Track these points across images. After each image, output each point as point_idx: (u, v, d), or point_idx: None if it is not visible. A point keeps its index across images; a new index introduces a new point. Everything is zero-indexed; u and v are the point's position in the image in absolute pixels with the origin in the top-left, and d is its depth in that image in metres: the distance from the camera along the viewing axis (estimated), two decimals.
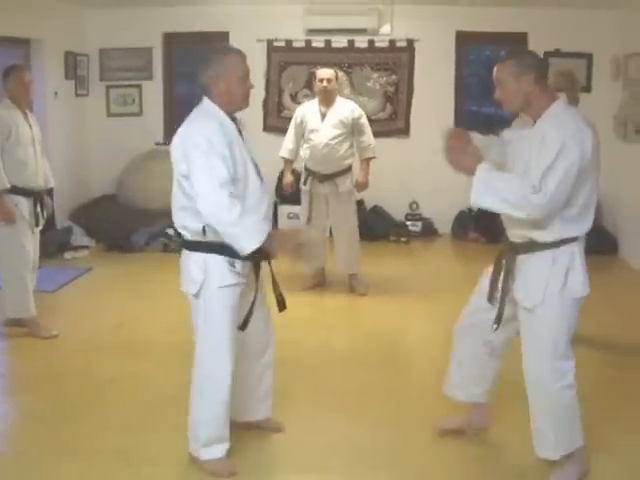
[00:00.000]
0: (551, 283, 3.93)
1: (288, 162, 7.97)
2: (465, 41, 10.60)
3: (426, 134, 9.60)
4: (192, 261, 4.22)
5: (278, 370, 5.84)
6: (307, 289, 7.92)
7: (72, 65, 10.27)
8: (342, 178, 7.64)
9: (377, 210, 10.37)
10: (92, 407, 5.12)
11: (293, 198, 9.95)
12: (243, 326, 4.28)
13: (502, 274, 4.13)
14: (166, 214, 9.74)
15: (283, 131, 8.53)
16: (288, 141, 7.91)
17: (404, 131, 10.60)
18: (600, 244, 9.43)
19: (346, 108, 7.63)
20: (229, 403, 4.26)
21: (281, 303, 4.37)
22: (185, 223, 4.21)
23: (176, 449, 4.49)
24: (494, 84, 4.03)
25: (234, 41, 10.57)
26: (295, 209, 10.20)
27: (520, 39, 10.42)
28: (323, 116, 7.60)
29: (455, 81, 10.62)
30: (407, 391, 4.78)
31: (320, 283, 8.05)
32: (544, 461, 4.19)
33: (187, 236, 4.22)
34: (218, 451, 4.26)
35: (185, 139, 4.11)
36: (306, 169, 7.79)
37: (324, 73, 7.59)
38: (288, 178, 7.98)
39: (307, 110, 7.77)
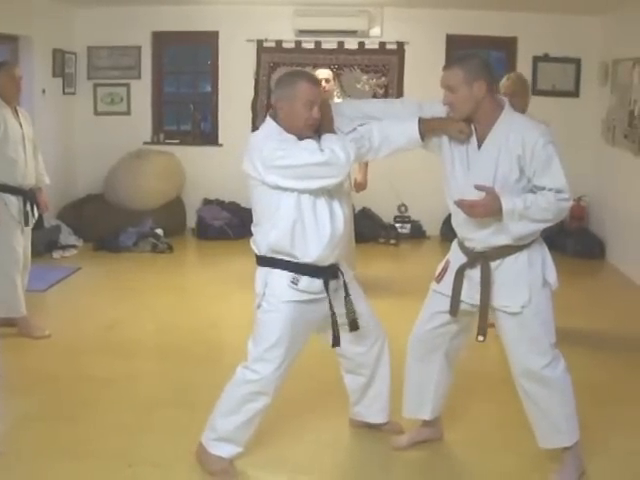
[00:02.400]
0: (533, 281, 3.99)
1: None
2: (455, 45, 10.59)
3: None
4: (257, 275, 4.26)
5: None
6: None
7: (60, 63, 10.22)
8: None
9: (366, 212, 10.38)
10: (88, 408, 5.10)
11: None
12: (335, 343, 4.31)
13: (466, 283, 4.12)
14: (154, 214, 9.88)
15: None
16: None
17: None
18: (587, 248, 9.50)
19: None
20: (262, 413, 4.28)
21: (353, 324, 4.27)
22: (255, 238, 4.19)
23: (175, 450, 4.49)
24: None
25: (223, 41, 10.63)
26: None
27: (510, 43, 10.48)
28: None
29: None
30: (399, 391, 4.77)
31: None
32: (527, 460, 4.29)
33: (255, 251, 4.21)
34: (227, 451, 4.26)
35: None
36: None
37: (322, 73, 7.57)
38: None
39: None
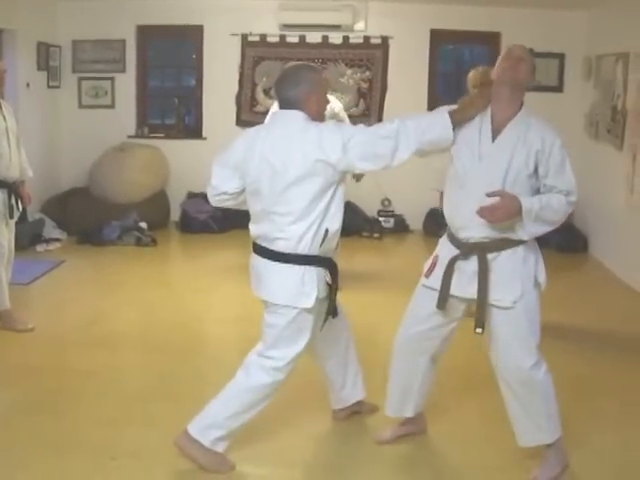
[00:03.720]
0: (525, 277, 4.02)
1: None
2: (439, 40, 10.65)
3: None
4: (286, 275, 4.24)
5: None
6: None
7: (44, 56, 10.20)
8: None
9: (350, 206, 10.36)
10: (72, 401, 5.10)
11: None
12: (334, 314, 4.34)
13: (457, 275, 4.12)
14: (138, 207, 9.88)
15: (256, 125, 8.50)
16: None
17: None
18: (570, 242, 9.56)
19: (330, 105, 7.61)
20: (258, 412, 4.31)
21: (334, 311, 4.31)
22: (293, 235, 4.14)
23: (158, 443, 4.48)
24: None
25: (208, 35, 10.63)
26: None
27: (494, 38, 10.51)
28: None
29: (428, 79, 10.67)
30: (383, 384, 4.79)
31: None
32: (510, 455, 4.32)
33: (288, 249, 4.15)
34: (221, 446, 4.26)
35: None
36: None
37: None
38: None
39: None
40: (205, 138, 10.95)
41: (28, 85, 9.76)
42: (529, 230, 3.93)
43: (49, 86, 10.49)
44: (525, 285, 4.01)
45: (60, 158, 10.84)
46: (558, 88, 10.46)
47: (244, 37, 10.68)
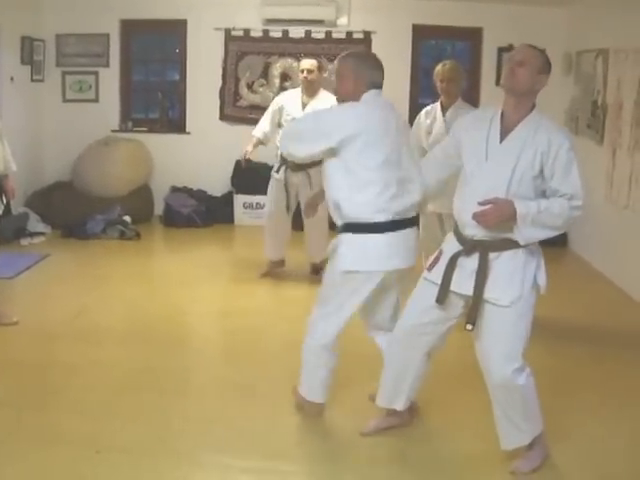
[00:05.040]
0: (526, 280, 4.03)
1: (258, 141, 8.01)
2: (421, 35, 10.71)
3: None
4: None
5: (238, 359, 5.95)
6: (264, 276, 8.08)
7: (28, 50, 10.18)
8: (316, 169, 7.64)
9: None
10: (56, 394, 5.13)
11: (249, 188, 10.04)
12: None
13: (458, 271, 4.14)
14: (122, 201, 9.91)
15: (239, 120, 8.62)
16: (264, 123, 7.95)
17: None
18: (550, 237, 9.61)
19: (327, 101, 7.63)
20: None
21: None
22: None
23: (143, 436, 4.54)
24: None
25: (192, 29, 10.65)
26: (251, 199, 10.29)
27: (475, 34, 10.59)
28: (304, 106, 7.65)
29: (411, 74, 10.73)
30: (373, 379, 4.85)
31: (278, 272, 8.12)
32: (496, 446, 4.32)
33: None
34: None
35: None
36: (281, 157, 7.81)
37: (304, 64, 7.66)
38: (249, 150, 8.01)
39: (288, 98, 7.81)
40: (189, 132, 10.98)
41: (12, 79, 9.76)
42: (525, 234, 3.92)
43: (33, 80, 10.48)
44: (524, 288, 4.02)
45: (44, 152, 10.84)
46: None
47: (227, 32, 10.70)
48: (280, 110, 7.79)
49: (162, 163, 10.86)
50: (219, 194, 10.90)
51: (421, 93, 10.79)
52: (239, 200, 10.64)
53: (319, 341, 4.67)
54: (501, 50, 10.47)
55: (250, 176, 9.99)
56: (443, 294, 4.17)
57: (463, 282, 4.11)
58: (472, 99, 9.98)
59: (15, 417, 4.73)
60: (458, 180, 4.31)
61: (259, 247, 8.31)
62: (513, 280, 4.01)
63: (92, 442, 4.44)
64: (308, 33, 10.69)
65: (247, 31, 10.71)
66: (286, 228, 8.02)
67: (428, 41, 11.19)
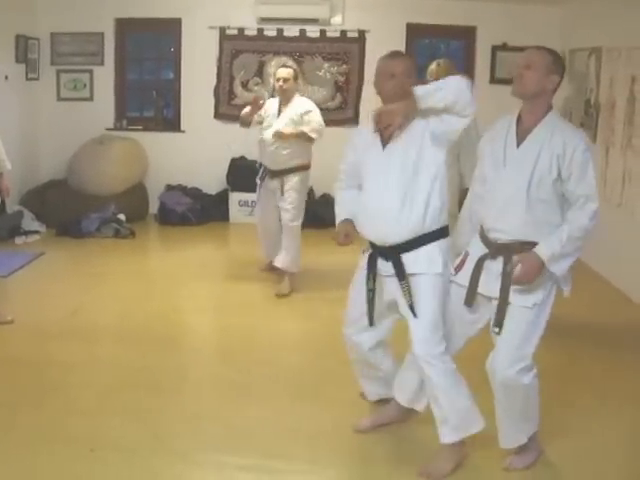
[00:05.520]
0: (549, 282, 4.05)
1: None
2: (415, 34, 10.72)
3: None
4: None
5: (233, 357, 5.97)
6: (262, 271, 8.21)
7: (23, 49, 10.18)
8: (290, 176, 7.63)
9: (326, 198, 10.45)
10: (52, 393, 5.14)
11: (244, 186, 10.05)
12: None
13: (484, 274, 4.15)
14: (117, 199, 9.93)
15: (234, 118, 8.59)
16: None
17: (353, 120, 10.68)
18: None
19: (299, 107, 7.64)
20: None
21: None
22: None
23: (137, 434, 4.56)
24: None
25: (186, 28, 10.66)
26: (246, 197, 10.31)
27: (469, 33, 10.61)
28: (279, 112, 7.66)
29: None
30: None
31: (274, 269, 8.15)
32: (488, 442, 4.35)
33: None
34: None
35: None
36: (260, 164, 7.85)
37: (280, 73, 7.63)
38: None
39: (270, 105, 7.81)
40: (183, 131, 10.99)
41: (6, 77, 9.74)
42: (559, 269, 3.95)
43: (28, 78, 10.47)
44: (547, 290, 4.05)
45: (39, 151, 10.84)
46: None
47: (222, 30, 10.71)
48: (265, 111, 7.76)
49: (157, 161, 10.86)
50: (214, 192, 10.92)
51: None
52: (234, 198, 10.65)
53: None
54: (495, 48, 10.52)
55: (245, 174, 10.01)
56: (471, 296, 4.20)
57: (490, 284, 4.12)
58: None
59: (10, 415, 4.75)
60: (472, 185, 4.40)
61: (254, 245, 8.34)
62: (537, 283, 4.01)
63: (87, 440, 4.45)
64: (303, 32, 10.70)
65: (242, 30, 10.72)
66: (276, 231, 7.99)
67: (422, 40, 11.19)
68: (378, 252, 4.30)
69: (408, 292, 4.19)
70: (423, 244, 4.19)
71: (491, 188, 4.12)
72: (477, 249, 4.23)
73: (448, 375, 4.19)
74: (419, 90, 4.03)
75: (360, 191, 4.42)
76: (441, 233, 4.25)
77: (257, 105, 7.57)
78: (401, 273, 4.20)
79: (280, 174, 7.60)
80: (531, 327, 4.05)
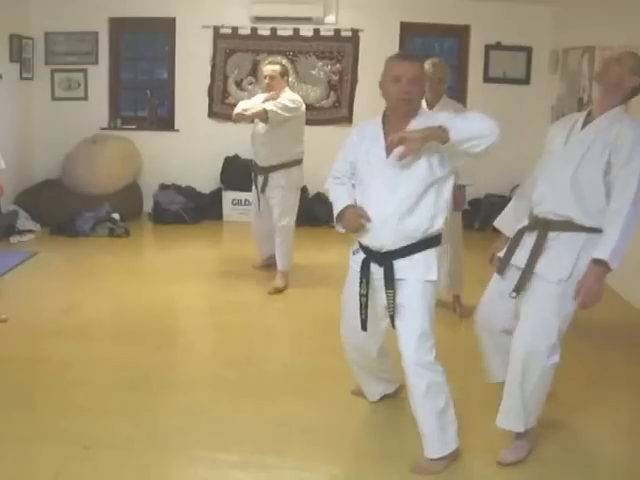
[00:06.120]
0: (580, 263, 4.11)
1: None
2: (409, 32, 10.75)
3: None
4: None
5: (226, 354, 5.98)
6: (255, 268, 8.24)
7: (17, 48, 10.19)
8: (273, 174, 7.60)
9: (321, 197, 10.47)
10: (45, 391, 5.16)
11: (238, 185, 10.07)
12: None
13: (521, 247, 4.31)
14: (111, 199, 9.94)
15: (228, 117, 8.62)
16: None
17: (347, 119, 10.72)
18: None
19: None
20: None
21: None
22: None
23: (131, 432, 4.57)
24: None
25: (180, 27, 10.67)
26: (239, 196, 10.33)
27: (463, 32, 10.64)
28: None
29: None
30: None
31: (270, 266, 8.18)
32: (481, 438, 4.44)
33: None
34: None
35: None
36: (253, 161, 7.87)
37: (266, 70, 7.64)
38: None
39: (257, 100, 7.83)
40: (177, 130, 11.01)
41: (0, 77, 9.73)
42: (617, 257, 3.99)
43: (22, 78, 10.48)
44: (575, 270, 4.11)
45: (33, 150, 10.85)
46: (525, 81, 10.60)
47: (216, 29, 10.73)
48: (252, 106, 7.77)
49: (151, 161, 10.88)
50: (208, 191, 10.94)
51: None
52: (228, 197, 10.67)
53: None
54: (488, 47, 10.55)
55: (239, 173, 10.05)
56: (503, 265, 4.37)
57: (520, 255, 4.29)
58: (459, 96, 10.05)
59: (4, 413, 4.75)
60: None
61: (248, 243, 8.37)
62: (565, 260, 4.13)
63: (80, 438, 4.46)
64: (296, 31, 10.71)
65: (235, 29, 10.74)
66: (270, 230, 8.01)
67: (416, 39, 11.21)
68: (372, 257, 4.25)
69: (392, 301, 4.15)
70: (419, 250, 4.15)
71: (549, 164, 4.31)
72: (522, 223, 4.42)
73: (432, 392, 4.16)
74: (456, 135, 3.83)
75: (354, 190, 4.35)
76: (437, 240, 4.22)
77: (244, 117, 7.55)
78: (390, 280, 4.15)
79: (265, 171, 7.60)
80: (555, 304, 4.14)
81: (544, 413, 4.59)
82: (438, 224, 4.14)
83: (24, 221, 9.62)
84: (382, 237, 4.14)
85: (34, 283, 7.71)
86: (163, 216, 10.44)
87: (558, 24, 10.14)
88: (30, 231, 9.52)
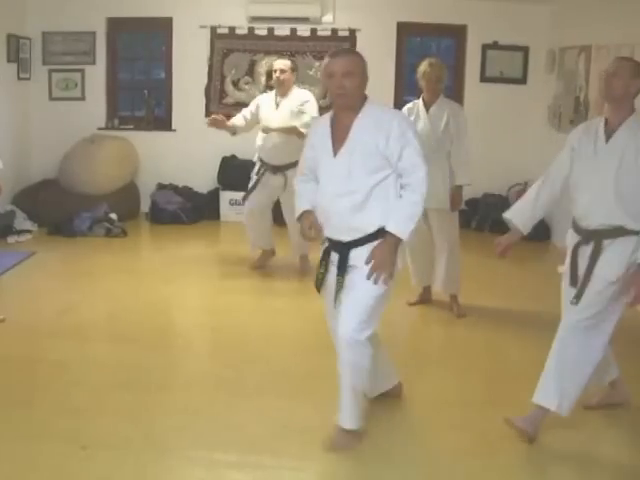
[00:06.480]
0: (631, 266, 4.40)
1: (232, 125, 7.95)
2: (406, 32, 10.76)
3: None
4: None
5: (224, 354, 5.98)
6: (254, 269, 8.23)
7: (14, 48, 10.19)
8: (293, 170, 7.63)
9: None
10: (42, 391, 5.16)
11: (235, 185, 10.07)
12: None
13: (580, 258, 4.53)
14: (108, 198, 9.94)
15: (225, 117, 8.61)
16: (244, 113, 7.98)
17: None
18: (534, 231, 9.58)
19: (297, 98, 7.70)
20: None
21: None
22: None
23: (128, 432, 4.57)
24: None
25: (177, 27, 10.68)
26: (237, 195, 10.33)
27: (460, 31, 10.65)
28: (277, 105, 7.71)
29: (395, 71, 10.78)
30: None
31: (267, 265, 8.22)
32: (481, 439, 4.43)
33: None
34: None
35: None
36: (260, 160, 7.87)
37: (277, 64, 7.72)
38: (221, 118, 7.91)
39: (265, 99, 7.86)
40: (174, 130, 11.01)
41: None
42: None
43: (19, 78, 10.47)
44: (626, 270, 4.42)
45: (31, 150, 10.85)
46: (522, 80, 10.61)
47: (213, 29, 10.74)
48: (257, 108, 7.85)
49: (148, 160, 10.88)
50: (205, 191, 10.95)
51: (406, 90, 10.81)
52: (225, 197, 10.68)
53: None
54: (485, 47, 10.55)
55: (236, 173, 10.06)
56: (574, 278, 4.57)
57: (583, 266, 4.52)
58: (456, 95, 10.06)
59: (2, 413, 4.76)
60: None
61: (245, 243, 8.37)
62: (621, 261, 4.40)
63: (78, 438, 4.46)
64: (293, 31, 10.72)
65: (232, 29, 10.74)
66: (268, 223, 8.06)
67: (413, 38, 11.21)
68: (332, 247, 4.40)
69: (340, 286, 4.32)
70: (376, 240, 4.25)
71: (582, 177, 4.54)
72: (572, 239, 4.65)
73: (354, 370, 4.37)
74: (405, 233, 4.19)
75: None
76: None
77: (219, 123, 7.71)
78: (342, 268, 4.32)
79: (284, 169, 7.62)
80: (616, 304, 4.49)
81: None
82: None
83: (21, 221, 9.62)
84: (338, 230, 4.32)
85: (31, 283, 7.71)
86: (160, 216, 10.44)
87: (555, 23, 10.15)
88: (27, 231, 9.51)
